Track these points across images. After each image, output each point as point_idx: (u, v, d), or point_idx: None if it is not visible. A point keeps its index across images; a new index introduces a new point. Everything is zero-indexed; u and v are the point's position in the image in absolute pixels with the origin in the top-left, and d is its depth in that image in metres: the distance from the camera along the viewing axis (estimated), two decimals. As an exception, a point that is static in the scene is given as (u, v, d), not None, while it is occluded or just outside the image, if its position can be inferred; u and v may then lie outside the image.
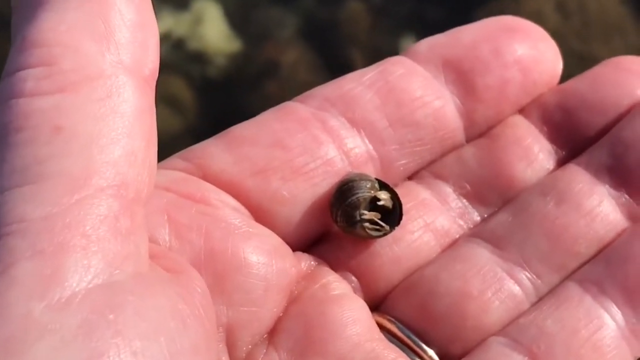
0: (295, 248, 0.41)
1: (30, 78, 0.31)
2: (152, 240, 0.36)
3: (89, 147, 0.31)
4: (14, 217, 0.30)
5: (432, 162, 0.44)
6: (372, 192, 0.41)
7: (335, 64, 1.14)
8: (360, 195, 0.40)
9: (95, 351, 0.28)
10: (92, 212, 0.30)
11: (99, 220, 0.30)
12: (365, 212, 0.41)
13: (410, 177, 0.44)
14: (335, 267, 0.41)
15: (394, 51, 1.15)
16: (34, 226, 0.29)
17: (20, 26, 0.33)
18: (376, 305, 0.41)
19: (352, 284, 0.41)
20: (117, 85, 0.32)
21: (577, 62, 1.02)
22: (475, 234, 0.42)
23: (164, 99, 1.06)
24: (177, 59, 1.16)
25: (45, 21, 0.32)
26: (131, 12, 0.33)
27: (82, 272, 0.29)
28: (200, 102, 1.09)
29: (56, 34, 0.32)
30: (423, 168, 0.44)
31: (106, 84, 0.32)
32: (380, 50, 1.14)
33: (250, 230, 0.39)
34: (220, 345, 0.37)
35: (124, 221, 0.31)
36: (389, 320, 0.40)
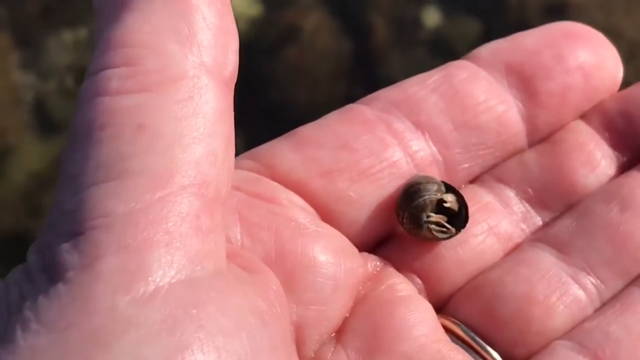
0: (360, 249, 0.41)
1: (114, 77, 0.32)
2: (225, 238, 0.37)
3: (172, 146, 0.32)
4: (99, 212, 0.30)
5: (494, 166, 0.44)
6: (439, 194, 0.41)
7: (356, 30, 1.14)
8: (427, 197, 0.41)
9: (180, 345, 0.29)
10: (174, 209, 0.31)
11: (181, 217, 0.31)
12: (432, 214, 0.41)
13: (472, 181, 0.44)
14: (399, 269, 0.42)
15: (415, 18, 1.14)
16: (118, 221, 0.30)
17: (105, 27, 0.34)
18: (440, 307, 0.42)
19: (417, 286, 0.42)
20: (199, 87, 0.33)
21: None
22: (539, 238, 0.43)
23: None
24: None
25: (129, 23, 0.33)
26: (213, 16, 0.34)
27: (166, 268, 0.30)
28: (220, 66, 1.09)
29: (140, 35, 0.33)
30: (485, 172, 0.44)
31: (189, 85, 0.33)
32: (402, 17, 1.14)
33: (319, 230, 0.40)
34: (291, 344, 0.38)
35: (205, 219, 0.32)
36: (453, 322, 0.41)
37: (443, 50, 1.13)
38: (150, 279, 0.30)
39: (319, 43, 1.12)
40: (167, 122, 0.32)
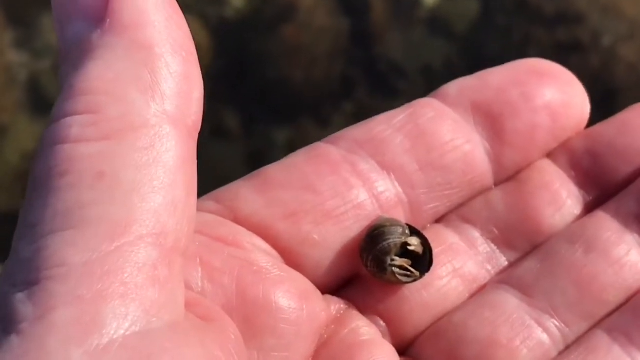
0: (324, 291, 0.41)
1: (75, 125, 0.32)
2: (185, 284, 0.37)
3: (131, 194, 0.31)
4: (55, 262, 0.30)
5: (460, 206, 0.44)
6: (403, 237, 0.41)
7: (353, 8, 1.13)
8: (391, 241, 0.41)
9: None
10: (131, 259, 0.31)
11: (138, 268, 0.31)
12: (397, 258, 0.41)
13: (438, 220, 0.44)
14: (363, 311, 0.41)
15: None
16: (74, 272, 0.30)
17: (68, 74, 0.33)
18: (403, 350, 0.42)
19: (380, 329, 0.41)
20: (160, 135, 0.33)
21: (602, 15, 1.01)
22: (504, 280, 0.42)
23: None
24: (195, 0, 1.15)
25: (92, 70, 0.33)
26: (177, 64, 0.34)
27: (120, 320, 0.30)
28: (217, 44, 1.08)
29: (103, 82, 0.33)
30: (451, 211, 0.44)
31: (150, 133, 0.32)
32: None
33: (282, 274, 0.39)
34: None
35: (162, 270, 0.32)
36: None
37: (441, 29, 1.12)
38: (104, 331, 0.30)
39: (315, 21, 1.12)
40: (127, 171, 0.32)
